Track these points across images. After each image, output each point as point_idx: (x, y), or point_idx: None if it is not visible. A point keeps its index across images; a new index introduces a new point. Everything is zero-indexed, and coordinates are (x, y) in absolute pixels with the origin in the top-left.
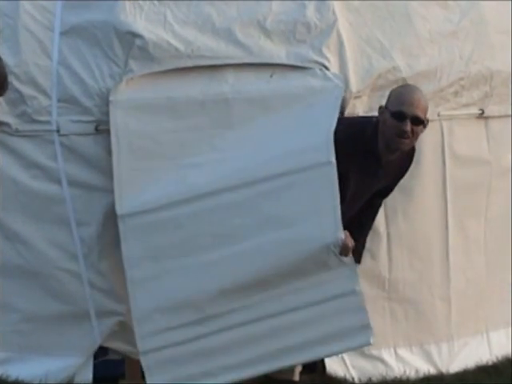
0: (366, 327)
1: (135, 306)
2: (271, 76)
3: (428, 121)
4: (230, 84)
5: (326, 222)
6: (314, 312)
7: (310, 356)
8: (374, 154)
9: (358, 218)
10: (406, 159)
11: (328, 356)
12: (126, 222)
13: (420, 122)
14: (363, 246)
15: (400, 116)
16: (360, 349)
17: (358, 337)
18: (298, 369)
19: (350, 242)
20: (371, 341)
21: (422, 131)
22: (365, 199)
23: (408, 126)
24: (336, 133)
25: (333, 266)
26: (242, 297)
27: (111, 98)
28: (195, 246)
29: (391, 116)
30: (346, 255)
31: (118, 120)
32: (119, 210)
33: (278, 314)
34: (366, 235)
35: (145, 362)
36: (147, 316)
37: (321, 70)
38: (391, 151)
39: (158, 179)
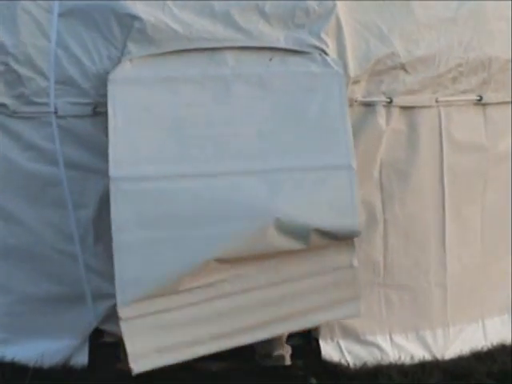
0: (355, 299)
1: (120, 271)
2: (270, 60)
3: None
4: (230, 67)
5: (344, 216)
6: (309, 284)
7: (297, 326)
8: None
9: None
10: None
11: (315, 325)
12: (119, 185)
13: None
14: None
15: None
16: (356, 334)
17: (347, 308)
18: (288, 353)
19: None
20: (359, 313)
21: None
22: None
23: None
24: None
25: (332, 242)
26: (234, 267)
27: (110, 77)
28: (188, 220)
29: None
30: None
31: (116, 94)
32: (113, 172)
33: (272, 284)
34: None
35: (125, 328)
36: (132, 282)
37: (320, 54)
38: None
39: (155, 149)
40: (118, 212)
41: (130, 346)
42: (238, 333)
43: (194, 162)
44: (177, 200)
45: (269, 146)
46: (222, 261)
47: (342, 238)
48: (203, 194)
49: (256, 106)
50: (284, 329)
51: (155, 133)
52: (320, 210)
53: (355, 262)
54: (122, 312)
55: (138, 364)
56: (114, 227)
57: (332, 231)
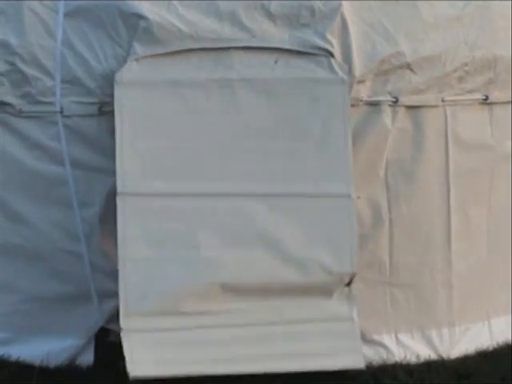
0: (357, 353)
1: (124, 284)
2: (275, 62)
3: None
4: (235, 70)
5: (342, 251)
6: (310, 329)
7: (295, 367)
8: None
9: None
10: None
11: (314, 370)
12: (126, 200)
13: None
14: None
15: None
16: (361, 334)
17: (350, 359)
18: None
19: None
20: (362, 365)
21: None
22: None
23: None
24: None
25: (335, 291)
26: (238, 300)
27: (116, 78)
28: (197, 240)
29: None
30: (349, 284)
31: (123, 99)
32: (121, 187)
33: (273, 323)
34: None
35: (125, 339)
36: (135, 297)
37: (326, 57)
38: None
39: (161, 163)
40: (125, 226)
41: (128, 355)
42: (234, 361)
43: (198, 180)
44: (182, 219)
45: (271, 167)
46: (227, 290)
47: (338, 275)
48: (207, 215)
49: (261, 119)
50: (281, 367)
51: (162, 145)
52: (319, 243)
53: (355, 316)
54: (124, 323)
55: (136, 370)
56: (119, 241)
57: (330, 267)
